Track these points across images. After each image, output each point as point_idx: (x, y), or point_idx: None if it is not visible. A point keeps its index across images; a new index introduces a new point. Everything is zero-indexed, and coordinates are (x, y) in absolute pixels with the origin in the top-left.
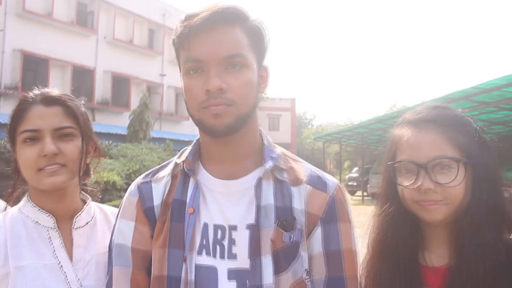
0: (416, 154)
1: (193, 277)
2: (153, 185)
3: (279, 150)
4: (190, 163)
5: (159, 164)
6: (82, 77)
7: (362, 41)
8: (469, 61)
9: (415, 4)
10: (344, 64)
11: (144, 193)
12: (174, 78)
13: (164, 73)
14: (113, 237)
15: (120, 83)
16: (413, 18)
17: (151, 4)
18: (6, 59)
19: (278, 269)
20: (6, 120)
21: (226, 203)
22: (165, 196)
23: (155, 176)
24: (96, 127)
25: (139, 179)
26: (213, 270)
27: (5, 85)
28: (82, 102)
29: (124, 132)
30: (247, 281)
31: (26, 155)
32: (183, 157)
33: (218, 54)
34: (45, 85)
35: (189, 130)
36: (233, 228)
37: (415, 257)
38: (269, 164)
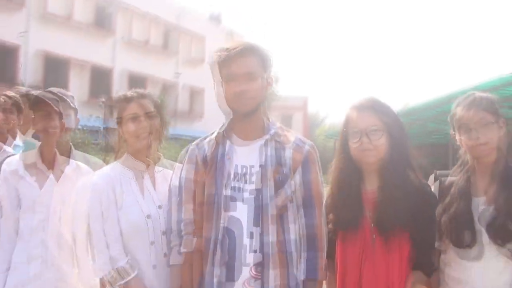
0: (359, 124)
1: (229, 193)
2: (205, 144)
3: (278, 124)
4: (226, 131)
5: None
6: (100, 77)
7: (375, 40)
8: (483, 58)
9: (428, 2)
10: (357, 63)
11: (200, 148)
12: (188, 77)
13: (179, 71)
14: (181, 175)
15: (137, 83)
16: (426, 16)
17: (166, 5)
18: (29, 59)
19: (276, 188)
20: None
21: (247, 153)
22: (212, 150)
23: (205, 140)
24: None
25: (195, 142)
26: (239, 190)
27: (28, 85)
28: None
29: None
30: (254, 200)
31: (131, 128)
32: (222, 128)
33: (243, 72)
34: (66, 85)
35: (202, 128)
36: (252, 166)
37: (358, 184)
38: (271, 132)
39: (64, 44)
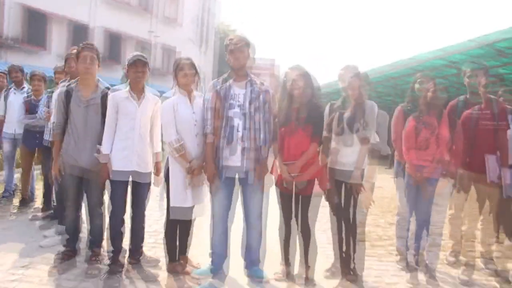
0: (293, 77)
1: (233, 116)
2: (217, 83)
3: (252, 75)
4: (229, 76)
5: None
6: (78, 33)
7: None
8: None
9: None
10: (328, 28)
11: (215, 84)
12: (162, 37)
13: (153, 30)
14: (206, 96)
15: (113, 40)
16: None
17: None
18: (11, 13)
19: (250, 103)
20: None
21: (240, 88)
22: (221, 85)
23: (217, 80)
24: None
25: (213, 81)
26: (233, 105)
27: (11, 37)
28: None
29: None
30: (243, 112)
31: (184, 76)
32: (225, 76)
33: (240, 51)
34: (45, 38)
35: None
36: (240, 93)
37: (290, 105)
38: (249, 77)
39: None
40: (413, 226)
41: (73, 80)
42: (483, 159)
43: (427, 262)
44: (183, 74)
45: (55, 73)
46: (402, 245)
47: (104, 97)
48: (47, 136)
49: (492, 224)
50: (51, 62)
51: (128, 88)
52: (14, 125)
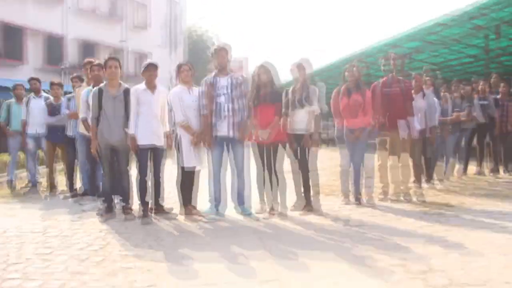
0: (259, 72)
1: (217, 93)
2: (208, 78)
3: (232, 71)
4: (215, 74)
5: None
6: (53, 44)
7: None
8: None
9: None
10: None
11: (207, 79)
12: (134, 43)
13: (124, 37)
14: (201, 89)
15: (88, 49)
16: None
17: None
18: None
19: (231, 90)
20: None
21: (224, 81)
22: (212, 79)
23: (207, 77)
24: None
25: (206, 77)
26: (220, 93)
27: None
28: (62, 67)
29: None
30: (225, 95)
31: (186, 74)
32: (212, 73)
33: (224, 54)
34: (21, 52)
35: None
36: (226, 84)
37: (259, 89)
38: (231, 73)
39: (19, 13)
40: (351, 170)
41: (102, 84)
42: (395, 122)
43: (363, 199)
44: (185, 73)
45: (71, 80)
46: (345, 188)
47: (126, 93)
48: (69, 132)
49: (408, 169)
50: (28, 74)
51: (144, 84)
52: (36, 126)
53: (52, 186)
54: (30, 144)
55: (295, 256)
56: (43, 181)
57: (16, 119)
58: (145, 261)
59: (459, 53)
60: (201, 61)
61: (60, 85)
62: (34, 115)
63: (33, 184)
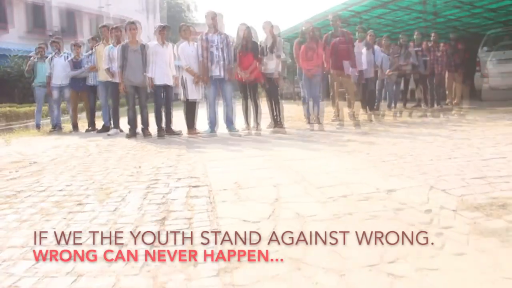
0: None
1: (210, 45)
2: (203, 34)
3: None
4: (207, 32)
5: None
6: (36, 12)
7: None
8: None
9: None
10: None
11: (202, 36)
12: (115, 9)
13: (103, 5)
14: (199, 43)
15: (69, 15)
16: None
17: None
18: None
19: (220, 42)
20: None
21: (214, 36)
22: (205, 35)
23: (202, 34)
24: None
25: (201, 34)
26: (212, 45)
27: None
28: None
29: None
30: (216, 47)
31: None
32: (205, 31)
33: (212, 18)
34: (6, 20)
35: None
36: (216, 39)
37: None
38: (219, 32)
39: None
40: (310, 103)
41: (124, 41)
42: (341, 63)
43: (320, 121)
44: (187, 31)
45: (89, 41)
46: (307, 113)
47: (142, 47)
48: (90, 82)
49: (352, 98)
50: (14, 40)
51: (157, 41)
52: (59, 79)
53: (75, 125)
54: (55, 93)
55: (269, 146)
56: (65, 126)
57: (40, 74)
58: (172, 149)
59: (409, 9)
60: (178, 24)
61: (79, 45)
62: (57, 70)
63: (58, 126)
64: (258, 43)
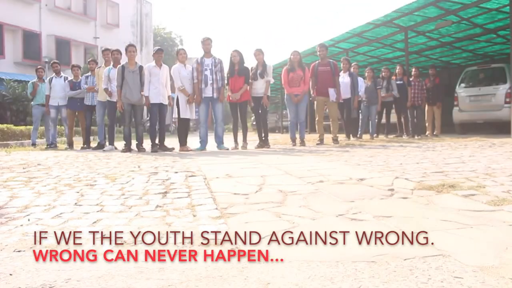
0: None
1: (204, 68)
2: (198, 59)
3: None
4: (201, 57)
5: None
6: (30, 40)
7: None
8: None
9: None
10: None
11: (197, 60)
12: (105, 40)
13: (97, 35)
14: (194, 65)
15: (62, 45)
16: None
17: None
18: None
19: (213, 67)
20: None
21: (208, 60)
22: (200, 60)
23: (197, 58)
24: None
25: (196, 59)
26: (206, 69)
27: None
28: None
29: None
30: (209, 70)
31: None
32: (200, 56)
33: (207, 43)
34: (2, 47)
35: None
36: (209, 63)
37: (233, 66)
38: (213, 56)
39: None
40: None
41: (124, 63)
42: (327, 90)
43: (305, 144)
44: (183, 55)
45: (89, 63)
46: (292, 135)
47: (140, 68)
48: (87, 102)
49: (336, 123)
50: (8, 68)
51: (154, 62)
52: (57, 99)
53: (70, 143)
54: (53, 112)
55: (256, 156)
56: (60, 146)
57: (39, 94)
58: (167, 158)
59: (390, 47)
60: (168, 56)
61: (79, 67)
62: (56, 90)
63: (53, 144)
64: (249, 68)
